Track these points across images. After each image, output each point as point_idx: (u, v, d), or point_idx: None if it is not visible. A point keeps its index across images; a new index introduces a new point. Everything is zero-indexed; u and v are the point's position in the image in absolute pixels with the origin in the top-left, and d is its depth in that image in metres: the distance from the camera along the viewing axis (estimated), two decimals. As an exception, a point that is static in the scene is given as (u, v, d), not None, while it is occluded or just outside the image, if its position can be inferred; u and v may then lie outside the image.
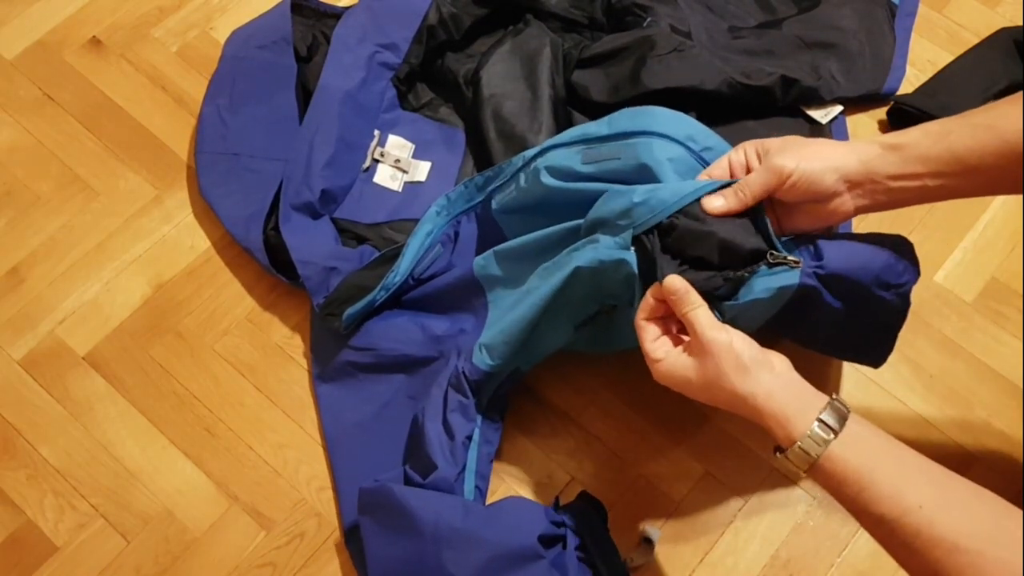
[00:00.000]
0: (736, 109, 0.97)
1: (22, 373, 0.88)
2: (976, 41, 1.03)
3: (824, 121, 0.99)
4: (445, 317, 0.85)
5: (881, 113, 1.02)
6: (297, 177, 0.89)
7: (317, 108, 0.92)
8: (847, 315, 0.71)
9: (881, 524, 0.56)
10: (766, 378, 0.61)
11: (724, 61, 0.97)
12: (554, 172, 0.78)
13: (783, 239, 0.69)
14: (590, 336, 0.81)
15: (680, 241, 0.68)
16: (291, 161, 0.90)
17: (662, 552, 0.80)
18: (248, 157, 0.94)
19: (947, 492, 0.56)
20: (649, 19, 0.99)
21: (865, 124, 1.01)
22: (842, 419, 0.59)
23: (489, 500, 0.81)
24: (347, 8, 1.01)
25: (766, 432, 0.61)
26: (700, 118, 0.94)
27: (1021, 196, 0.81)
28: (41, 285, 0.92)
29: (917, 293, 0.73)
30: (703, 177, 0.71)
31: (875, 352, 0.78)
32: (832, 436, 0.58)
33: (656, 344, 0.66)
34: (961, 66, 1.01)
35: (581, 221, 0.75)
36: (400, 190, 0.95)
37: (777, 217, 0.69)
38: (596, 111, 0.97)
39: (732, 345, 0.61)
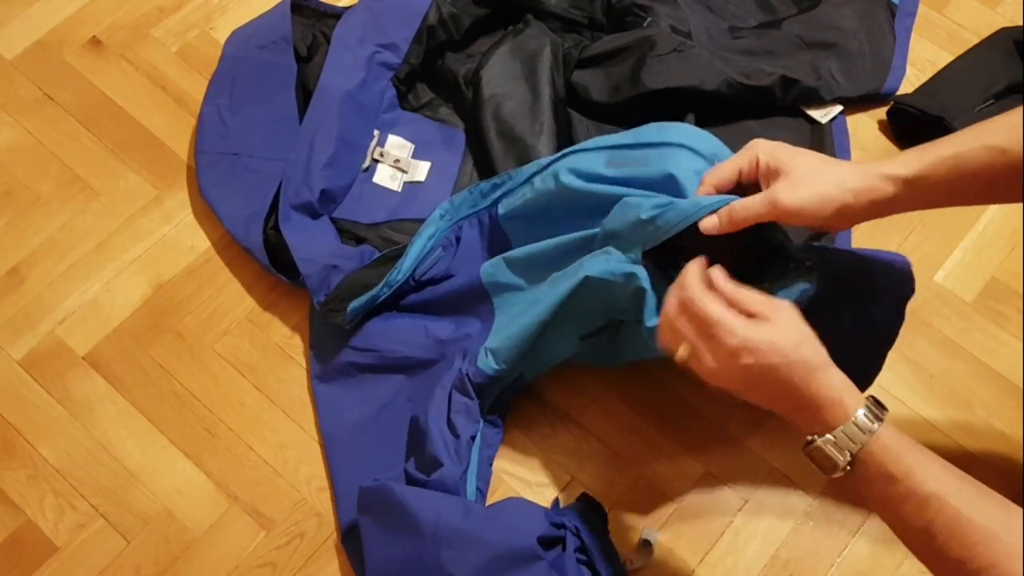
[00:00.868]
0: (736, 109, 0.98)
1: (22, 373, 0.88)
2: (976, 41, 1.03)
3: (824, 121, 0.99)
4: (449, 321, 0.85)
5: (881, 113, 1.02)
6: (297, 177, 0.89)
7: (317, 108, 0.92)
8: (845, 326, 0.71)
9: (927, 506, 0.55)
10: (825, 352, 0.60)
11: (724, 61, 0.97)
12: (577, 173, 0.78)
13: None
14: (595, 349, 0.82)
15: (693, 251, 0.67)
16: (291, 161, 0.90)
17: (662, 552, 0.80)
18: (248, 157, 0.94)
19: (973, 483, 0.56)
20: (649, 19, 0.99)
21: (865, 124, 1.01)
22: (882, 407, 0.59)
23: (489, 500, 0.81)
24: (347, 8, 1.01)
25: (806, 415, 0.59)
26: (700, 118, 0.95)
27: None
28: (41, 285, 0.92)
29: (917, 293, 0.74)
30: (712, 173, 0.69)
31: (863, 372, 0.75)
32: (882, 419, 0.58)
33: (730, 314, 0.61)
34: (961, 66, 1.01)
35: (593, 231, 0.75)
36: (399, 190, 0.95)
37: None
38: (596, 111, 0.97)
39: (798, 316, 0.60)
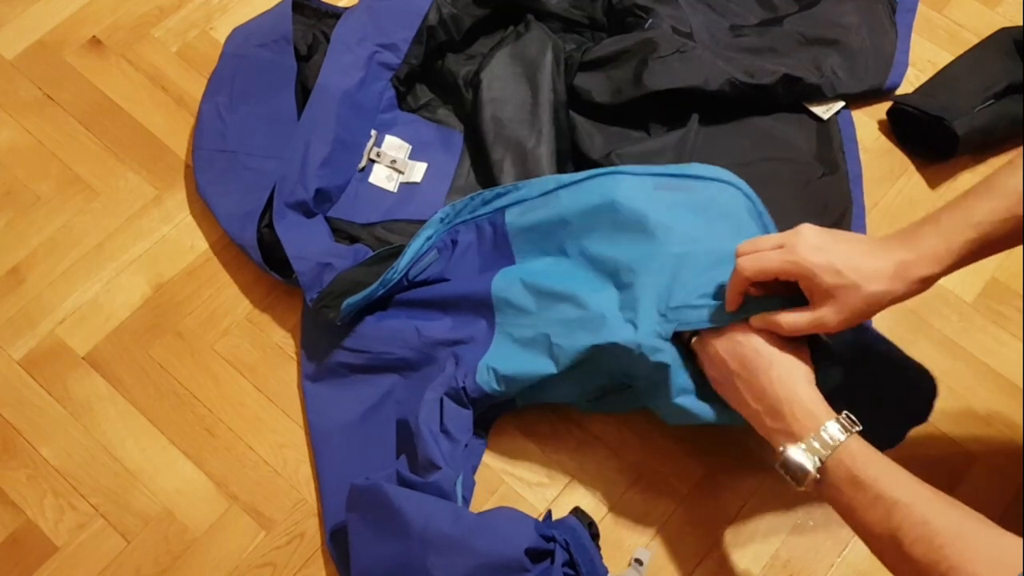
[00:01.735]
0: (739, 108, 0.98)
1: (22, 373, 0.88)
2: (976, 41, 1.03)
3: (826, 117, 0.99)
4: (443, 322, 0.84)
5: (881, 112, 1.01)
6: (292, 175, 0.89)
7: (315, 107, 0.92)
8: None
9: (894, 512, 0.57)
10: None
11: (726, 60, 0.97)
12: (627, 195, 0.79)
13: None
14: (596, 404, 0.83)
15: None
16: (287, 159, 0.90)
17: (663, 551, 0.80)
18: (246, 155, 0.94)
19: (939, 494, 0.59)
20: (650, 20, 0.99)
21: (865, 124, 1.01)
22: (854, 423, 0.63)
23: (489, 500, 0.81)
24: (347, 8, 1.01)
25: (776, 424, 0.65)
26: (704, 118, 0.96)
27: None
28: (41, 285, 0.93)
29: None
30: (750, 258, 0.68)
31: (885, 432, 0.73)
32: (851, 432, 0.62)
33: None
34: (961, 66, 1.01)
35: (616, 273, 0.77)
36: (395, 191, 0.95)
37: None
38: (598, 113, 0.97)
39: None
